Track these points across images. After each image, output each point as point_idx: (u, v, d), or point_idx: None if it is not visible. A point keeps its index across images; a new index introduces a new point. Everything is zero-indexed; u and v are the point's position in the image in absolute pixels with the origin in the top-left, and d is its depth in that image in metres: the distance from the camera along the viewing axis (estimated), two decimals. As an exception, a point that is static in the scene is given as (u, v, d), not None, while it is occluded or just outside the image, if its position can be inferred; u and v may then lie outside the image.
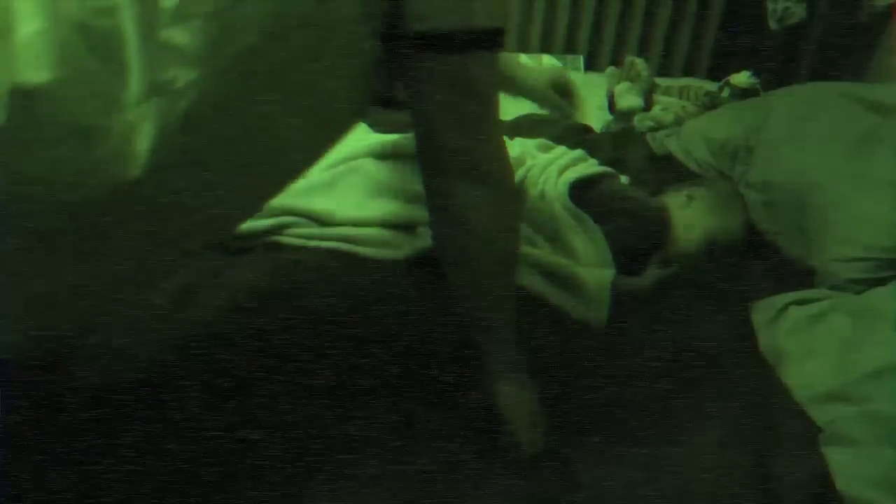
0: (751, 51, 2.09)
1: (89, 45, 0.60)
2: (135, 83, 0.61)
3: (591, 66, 2.30)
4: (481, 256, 0.84)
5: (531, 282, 1.07)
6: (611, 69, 2.08)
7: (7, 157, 0.58)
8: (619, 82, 1.97)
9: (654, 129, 1.78)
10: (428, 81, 0.76)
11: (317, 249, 1.04)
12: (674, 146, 1.66)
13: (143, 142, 0.62)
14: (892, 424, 0.88)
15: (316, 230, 1.06)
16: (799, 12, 1.92)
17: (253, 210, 0.84)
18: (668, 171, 1.58)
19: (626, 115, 1.88)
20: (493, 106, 0.81)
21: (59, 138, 0.59)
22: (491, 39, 0.77)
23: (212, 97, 0.65)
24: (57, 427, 0.74)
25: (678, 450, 0.90)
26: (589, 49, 2.32)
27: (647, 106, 1.92)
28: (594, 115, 1.88)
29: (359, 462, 0.82)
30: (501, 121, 0.86)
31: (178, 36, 0.63)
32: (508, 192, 0.87)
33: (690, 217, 1.25)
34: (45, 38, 0.58)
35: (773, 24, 1.97)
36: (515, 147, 1.37)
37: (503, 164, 0.84)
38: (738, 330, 1.13)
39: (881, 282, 1.14)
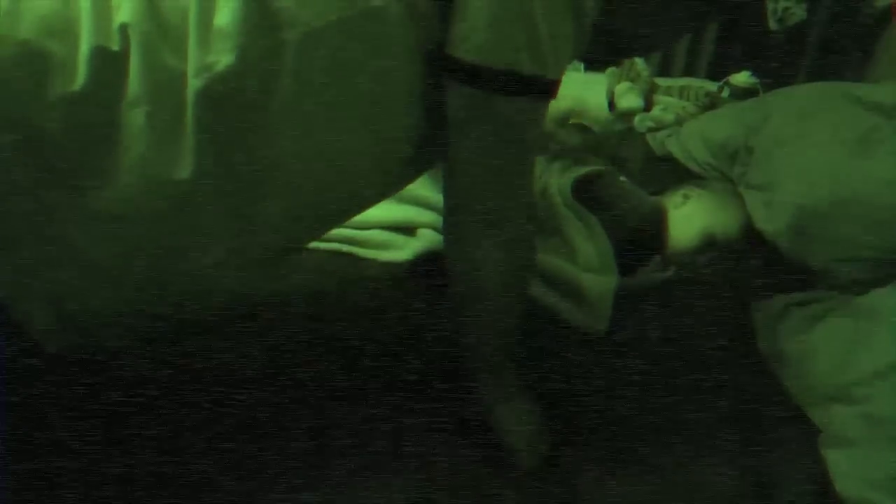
0: (751, 51, 2.08)
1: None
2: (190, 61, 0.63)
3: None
4: (492, 299, 0.82)
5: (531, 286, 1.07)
6: (611, 69, 2.08)
7: None
8: (619, 82, 1.97)
9: (654, 130, 1.78)
10: (471, 120, 0.73)
11: (318, 250, 1.04)
12: (674, 146, 1.66)
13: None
14: (892, 426, 0.88)
15: None
16: (799, 12, 1.92)
17: (306, 233, 0.82)
18: (668, 171, 1.58)
19: (626, 116, 1.88)
20: (530, 158, 0.79)
21: None
22: (544, 89, 0.73)
23: (251, 89, 0.64)
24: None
25: (677, 450, 0.90)
26: (589, 49, 2.31)
27: (648, 106, 1.92)
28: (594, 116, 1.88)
29: (359, 462, 0.82)
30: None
31: (219, 15, 0.63)
32: (528, 243, 0.86)
33: (686, 215, 1.25)
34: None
35: (773, 24, 1.97)
36: None
37: (526, 215, 0.82)
38: (737, 330, 1.13)
39: (881, 282, 1.14)
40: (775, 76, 1.95)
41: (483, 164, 0.75)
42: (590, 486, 0.84)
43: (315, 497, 0.79)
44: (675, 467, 0.88)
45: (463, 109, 0.72)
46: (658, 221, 1.24)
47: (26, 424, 0.69)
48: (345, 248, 1.05)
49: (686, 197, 1.27)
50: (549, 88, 0.73)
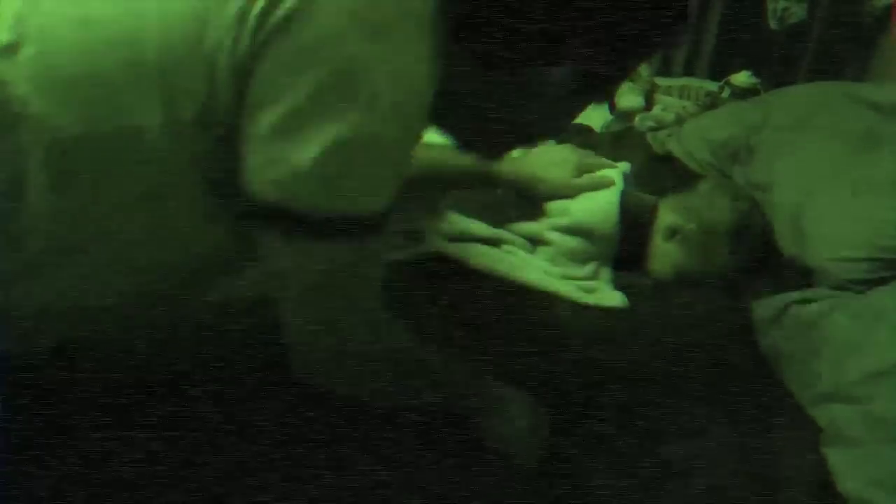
0: (751, 51, 2.09)
1: None
2: None
3: (591, 65, 2.30)
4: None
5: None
6: (611, 69, 2.08)
7: None
8: (619, 82, 1.97)
9: (654, 129, 1.79)
10: (283, 278, 0.65)
11: None
12: (674, 146, 1.67)
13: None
14: (893, 425, 0.88)
15: None
16: (799, 12, 1.93)
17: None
18: (669, 171, 1.59)
19: (627, 115, 1.88)
20: (369, 298, 0.69)
21: None
22: (366, 226, 0.63)
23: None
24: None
25: (677, 450, 0.91)
26: (589, 49, 2.31)
27: (648, 106, 1.92)
28: (594, 116, 1.89)
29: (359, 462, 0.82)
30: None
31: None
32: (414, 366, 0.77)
33: (668, 251, 1.22)
34: None
35: (773, 24, 1.97)
36: None
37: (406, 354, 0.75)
38: (738, 330, 1.13)
39: (882, 282, 1.14)
40: (775, 76, 1.96)
41: (309, 324, 0.67)
42: (588, 487, 0.84)
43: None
44: (675, 467, 0.88)
45: (274, 258, 0.65)
46: (647, 220, 1.24)
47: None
48: None
49: (673, 233, 1.22)
50: (377, 225, 0.64)
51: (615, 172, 1.26)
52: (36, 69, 0.60)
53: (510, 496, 0.81)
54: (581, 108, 0.79)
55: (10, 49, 0.60)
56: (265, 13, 0.57)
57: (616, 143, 1.69)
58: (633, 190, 1.27)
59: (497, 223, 1.19)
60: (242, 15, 0.58)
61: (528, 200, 1.21)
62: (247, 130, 0.60)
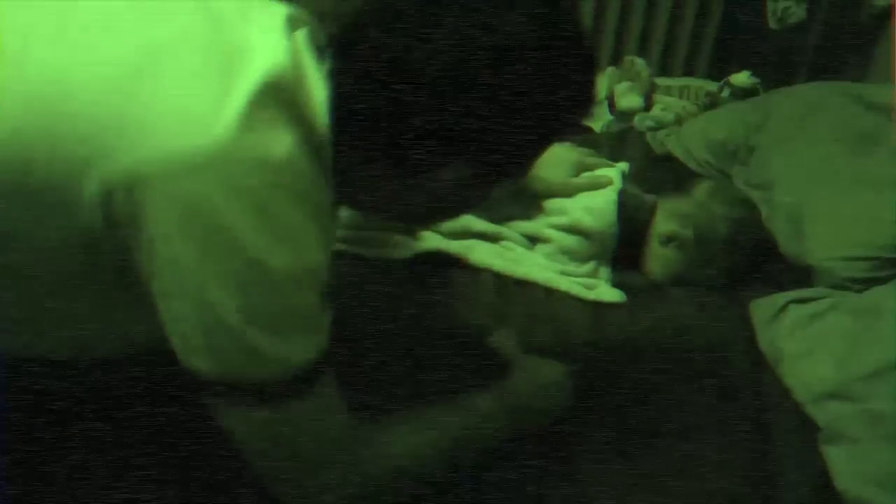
0: (751, 51, 2.09)
1: None
2: None
3: (591, 65, 2.30)
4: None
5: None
6: (611, 69, 2.08)
7: None
8: (619, 82, 1.97)
9: (654, 129, 1.79)
10: (240, 443, 0.63)
11: None
12: (674, 146, 1.67)
13: None
14: (892, 423, 0.88)
15: None
16: (799, 12, 1.92)
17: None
18: (669, 171, 1.59)
19: (627, 115, 1.88)
20: (347, 461, 0.66)
21: None
22: (305, 379, 0.61)
23: None
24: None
25: (676, 449, 0.91)
26: (589, 49, 2.31)
27: (648, 105, 1.92)
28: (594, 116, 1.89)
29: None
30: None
31: None
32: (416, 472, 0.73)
33: (665, 255, 1.21)
34: None
35: (773, 24, 1.97)
36: None
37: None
38: (737, 329, 1.13)
39: (881, 281, 1.14)
40: (775, 76, 1.96)
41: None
42: (589, 486, 0.84)
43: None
44: (675, 467, 0.88)
45: (218, 418, 0.63)
46: (645, 218, 1.24)
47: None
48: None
49: (670, 240, 1.21)
50: (320, 376, 0.62)
51: (614, 172, 1.26)
52: None
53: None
54: (489, 193, 0.74)
55: None
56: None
57: (616, 143, 1.69)
58: (633, 189, 1.27)
59: (495, 221, 1.19)
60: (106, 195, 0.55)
61: (526, 198, 1.21)
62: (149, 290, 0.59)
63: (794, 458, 0.91)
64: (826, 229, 1.25)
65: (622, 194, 1.22)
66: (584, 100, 0.68)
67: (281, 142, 0.57)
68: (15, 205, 0.57)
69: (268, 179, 0.56)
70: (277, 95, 0.58)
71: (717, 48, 2.26)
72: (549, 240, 1.18)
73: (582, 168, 1.24)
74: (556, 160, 1.22)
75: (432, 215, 0.81)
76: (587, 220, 1.18)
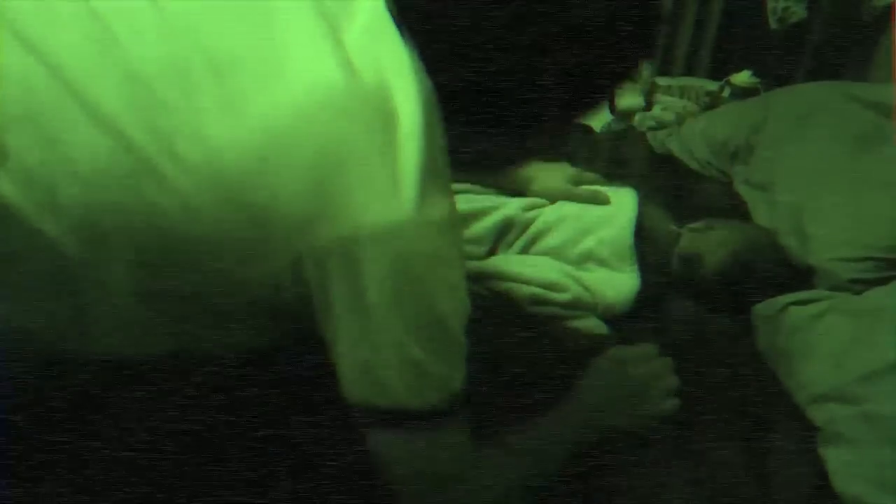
0: (751, 51, 2.09)
1: None
2: None
3: (591, 65, 2.30)
4: None
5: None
6: (611, 69, 2.08)
7: None
8: (619, 82, 1.97)
9: (654, 129, 1.79)
10: (385, 468, 0.71)
11: None
12: (675, 145, 1.67)
13: None
14: (891, 425, 0.88)
15: None
16: (799, 12, 1.92)
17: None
18: (669, 171, 1.59)
19: (627, 115, 1.88)
20: (470, 486, 0.73)
21: None
22: (445, 415, 0.68)
23: None
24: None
25: (676, 449, 0.91)
26: (589, 49, 2.31)
27: (648, 105, 1.92)
28: (594, 116, 1.88)
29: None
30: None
31: None
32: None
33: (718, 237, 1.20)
34: None
35: (773, 24, 1.97)
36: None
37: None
38: (737, 330, 1.13)
39: (881, 282, 1.14)
40: (775, 76, 1.96)
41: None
42: (589, 485, 0.84)
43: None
44: (674, 467, 0.88)
45: (374, 453, 0.70)
46: (671, 245, 1.21)
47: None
48: None
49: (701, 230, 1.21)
50: (456, 420, 0.70)
51: (629, 197, 1.22)
52: None
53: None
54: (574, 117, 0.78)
55: None
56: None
57: (616, 142, 1.69)
58: (655, 215, 1.24)
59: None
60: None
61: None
62: (325, 335, 0.66)
63: (794, 459, 0.91)
64: (827, 230, 1.25)
65: (641, 218, 1.18)
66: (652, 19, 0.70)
67: (443, 203, 0.64)
68: (200, 276, 0.63)
69: (446, 239, 0.65)
70: (433, 165, 0.63)
71: (717, 48, 2.26)
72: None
73: (580, 183, 1.23)
74: (553, 168, 1.22)
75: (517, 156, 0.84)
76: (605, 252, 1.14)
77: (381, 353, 0.64)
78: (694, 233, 1.21)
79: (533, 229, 1.16)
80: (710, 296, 1.17)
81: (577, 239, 1.15)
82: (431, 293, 0.64)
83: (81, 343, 0.66)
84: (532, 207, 1.18)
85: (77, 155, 0.58)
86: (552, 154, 1.28)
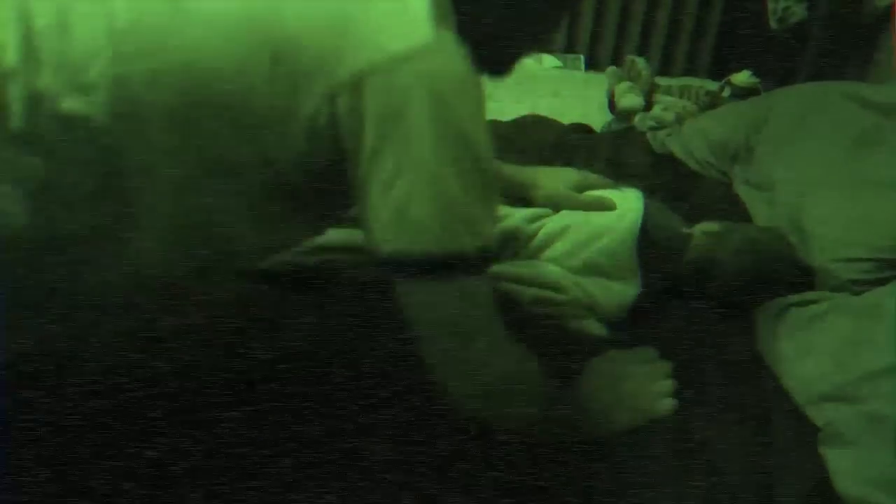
0: (751, 51, 2.09)
1: None
2: None
3: (591, 65, 2.30)
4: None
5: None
6: (611, 69, 2.08)
7: None
8: (619, 82, 1.97)
9: (654, 129, 1.79)
10: (413, 318, 0.71)
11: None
12: (675, 145, 1.67)
13: None
14: (892, 425, 0.88)
15: None
16: (799, 12, 1.93)
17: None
18: (669, 171, 1.59)
19: (627, 115, 1.88)
20: (495, 327, 0.75)
21: None
22: (477, 262, 0.69)
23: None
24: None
25: (676, 449, 0.91)
26: (589, 49, 2.32)
27: (648, 105, 1.93)
28: (594, 116, 1.89)
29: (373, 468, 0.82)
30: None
31: None
32: (538, 398, 0.82)
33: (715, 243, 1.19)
34: None
35: (773, 24, 1.97)
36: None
37: (527, 374, 0.80)
38: (737, 330, 1.13)
39: (881, 282, 1.14)
40: (775, 76, 1.96)
41: (443, 361, 0.73)
42: (587, 480, 0.84)
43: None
44: (674, 466, 0.88)
45: (403, 305, 0.70)
46: (681, 248, 1.19)
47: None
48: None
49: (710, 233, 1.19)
50: (486, 261, 0.71)
51: (634, 198, 1.19)
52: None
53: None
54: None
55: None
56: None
57: (616, 142, 1.69)
58: (662, 215, 1.21)
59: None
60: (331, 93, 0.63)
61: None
62: (355, 184, 0.66)
63: (794, 460, 0.91)
64: (827, 230, 1.25)
65: (648, 221, 1.16)
66: None
67: (450, 37, 0.66)
68: (235, 137, 0.64)
69: (464, 67, 0.66)
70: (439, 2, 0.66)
71: (717, 48, 2.26)
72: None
73: (585, 187, 1.21)
74: (559, 174, 1.21)
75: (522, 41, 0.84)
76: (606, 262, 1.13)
77: (417, 190, 0.64)
78: (707, 236, 1.19)
79: (536, 241, 1.15)
80: (721, 298, 1.17)
81: (579, 249, 1.14)
82: (464, 119, 0.65)
83: (116, 253, 0.67)
84: (536, 218, 1.17)
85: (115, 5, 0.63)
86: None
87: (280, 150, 0.66)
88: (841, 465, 0.89)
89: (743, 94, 1.87)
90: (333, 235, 0.99)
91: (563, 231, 1.15)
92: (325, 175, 0.68)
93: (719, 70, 2.14)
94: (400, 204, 0.65)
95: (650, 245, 1.14)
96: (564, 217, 1.17)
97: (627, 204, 1.18)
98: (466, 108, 0.66)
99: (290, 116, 0.64)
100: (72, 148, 0.63)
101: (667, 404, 0.88)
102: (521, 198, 1.20)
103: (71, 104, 0.62)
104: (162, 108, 0.63)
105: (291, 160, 0.66)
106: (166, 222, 0.67)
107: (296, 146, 0.65)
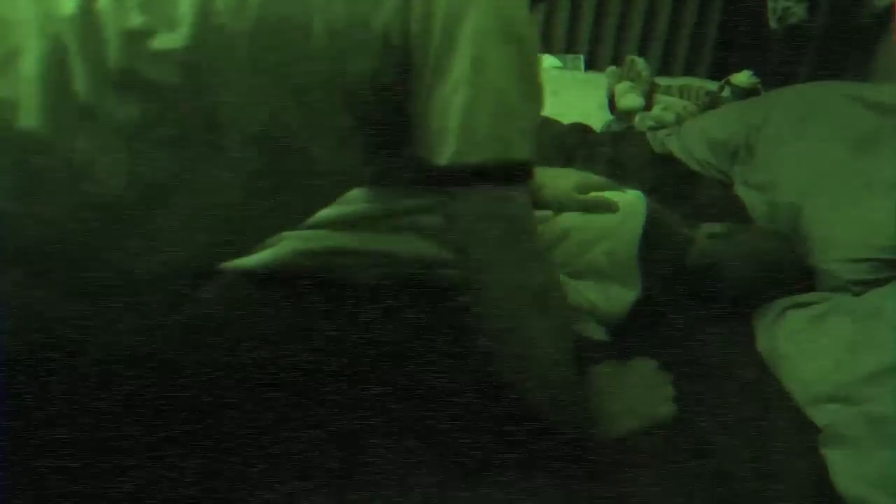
0: (751, 51, 2.09)
1: None
2: None
3: (591, 65, 2.30)
4: (542, 383, 0.81)
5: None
6: (611, 69, 2.08)
7: None
8: (619, 82, 1.97)
9: (654, 129, 1.79)
10: (468, 219, 0.73)
11: None
12: (675, 145, 1.67)
13: None
14: (892, 425, 0.88)
15: None
16: (799, 12, 1.93)
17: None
18: (669, 171, 1.59)
19: (627, 115, 1.88)
20: (536, 237, 0.78)
21: None
22: (524, 171, 0.72)
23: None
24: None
25: (676, 450, 0.91)
26: (589, 48, 2.32)
27: (648, 105, 1.93)
28: (594, 116, 1.89)
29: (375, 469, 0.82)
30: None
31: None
32: (564, 319, 0.84)
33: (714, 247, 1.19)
34: None
35: (773, 24, 1.98)
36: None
37: (557, 291, 0.82)
38: (737, 332, 1.13)
39: (881, 283, 1.14)
40: (775, 76, 1.96)
41: (497, 258, 0.74)
42: (589, 485, 0.84)
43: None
44: (674, 467, 0.88)
45: (458, 209, 0.72)
46: (683, 251, 1.19)
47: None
48: None
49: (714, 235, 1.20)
50: (531, 170, 0.73)
51: (636, 198, 1.19)
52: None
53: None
54: None
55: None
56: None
57: (616, 142, 1.69)
58: (665, 217, 1.21)
59: None
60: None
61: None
62: (416, 101, 0.68)
63: (795, 460, 0.91)
64: (827, 231, 1.25)
65: (650, 223, 1.15)
66: None
67: None
68: (312, 56, 0.66)
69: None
70: None
71: (717, 48, 2.26)
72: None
73: (588, 189, 1.18)
74: (562, 175, 1.20)
75: None
76: (605, 263, 1.13)
77: (481, 96, 0.66)
78: (712, 238, 1.19)
79: None
80: (723, 300, 1.17)
81: (580, 253, 1.13)
82: (521, 22, 0.68)
83: (186, 205, 0.67)
84: (538, 222, 1.17)
85: None
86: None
87: (354, 65, 0.67)
88: (841, 465, 0.89)
89: (743, 94, 1.87)
90: (340, 239, 0.99)
91: (563, 235, 1.14)
92: (393, 94, 0.69)
93: (719, 70, 2.14)
94: (463, 108, 0.66)
95: (652, 247, 1.14)
96: (566, 219, 1.16)
97: (630, 206, 1.16)
98: (522, 12, 0.69)
99: (365, 29, 0.66)
100: (162, 87, 0.64)
101: (668, 409, 0.88)
102: None
103: (161, 41, 0.63)
104: (246, 35, 0.64)
105: (363, 76, 0.68)
106: (246, 167, 0.68)
107: (368, 62, 0.67)
